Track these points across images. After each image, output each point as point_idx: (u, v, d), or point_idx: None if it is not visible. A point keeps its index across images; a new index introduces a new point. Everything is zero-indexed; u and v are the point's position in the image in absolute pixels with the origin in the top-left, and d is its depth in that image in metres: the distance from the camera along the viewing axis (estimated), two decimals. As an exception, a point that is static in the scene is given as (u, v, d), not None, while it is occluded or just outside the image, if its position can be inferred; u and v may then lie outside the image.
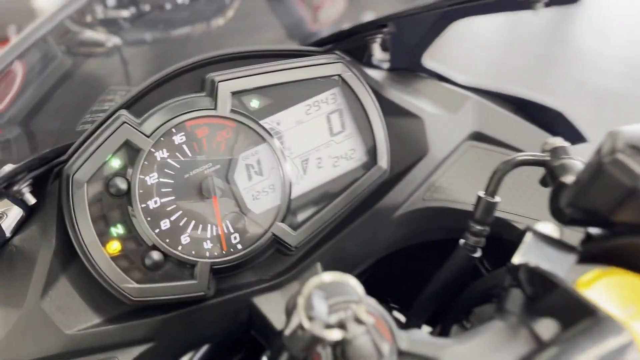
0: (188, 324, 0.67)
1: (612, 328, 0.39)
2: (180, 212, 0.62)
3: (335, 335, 0.43)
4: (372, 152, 0.69)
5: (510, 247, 0.74)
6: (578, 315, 0.41)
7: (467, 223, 0.63)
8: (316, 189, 0.68)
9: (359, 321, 0.43)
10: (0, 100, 0.89)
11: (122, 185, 0.60)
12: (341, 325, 0.43)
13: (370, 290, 1.00)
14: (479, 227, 0.61)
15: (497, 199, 0.61)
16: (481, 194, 0.61)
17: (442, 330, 0.72)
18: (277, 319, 0.67)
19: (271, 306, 0.68)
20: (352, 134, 0.69)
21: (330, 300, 0.48)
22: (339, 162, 0.68)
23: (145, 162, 0.61)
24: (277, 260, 0.70)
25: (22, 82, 0.91)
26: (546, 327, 0.47)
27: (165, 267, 0.62)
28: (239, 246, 0.64)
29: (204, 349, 0.74)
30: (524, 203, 0.72)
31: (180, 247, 0.62)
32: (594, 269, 0.50)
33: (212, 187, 0.63)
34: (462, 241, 0.64)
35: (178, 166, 0.62)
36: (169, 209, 0.62)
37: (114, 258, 0.60)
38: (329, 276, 0.43)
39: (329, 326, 0.43)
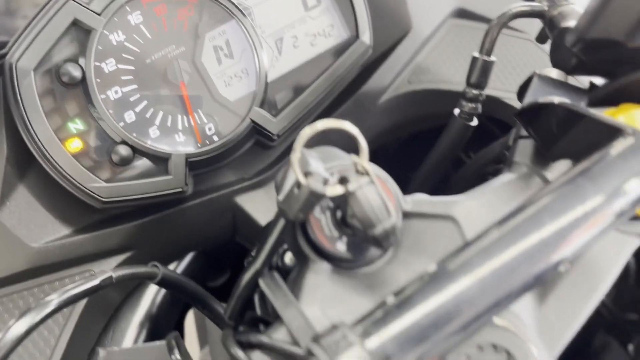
0: (167, 229, 0.61)
1: None
2: (145, 102, 0.56)
3: (336, 189, 0.38)
4: (353, 27, 0.63)
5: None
6: (605, 140, 0.36)
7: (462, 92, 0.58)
8: (294, 70, 0.61)
9: (361, 172, 0.38)
10: None
11: (76, 72, 0.53)
12: (341, 181, 0.38)
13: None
14: (474, 92, 0.57)
15: (493, 58, 0.56)
16: (476, 54, 0.56)
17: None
18: (262, 217, 0.62)
19: (255, 205, 0.63)
20: (329, 7, 0.62)
21: (328, 164, 0.43)
22: (317, 41, 0.62)
23: (100, 47, 0.54)
24: (257, 158, 0.64)
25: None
26: (559, 170, 0.43)
27: (136, 163, 0.56)
28: (215, 138, 0.58)
29: (188, 258, 0.69)
30: (516, 81, 0.68)
31: (149, 142, 0.56)
32: (606, 109, 0.46)
33: (178, 71, 0.56)
34: (457, 110, 0.59)
35: (137, 50, 0.55)
36: (132, 99, 0.55)
37: (76, 156, 0.54)
38: (322, 123, 0.37)
39: (327, 182, 0.38)
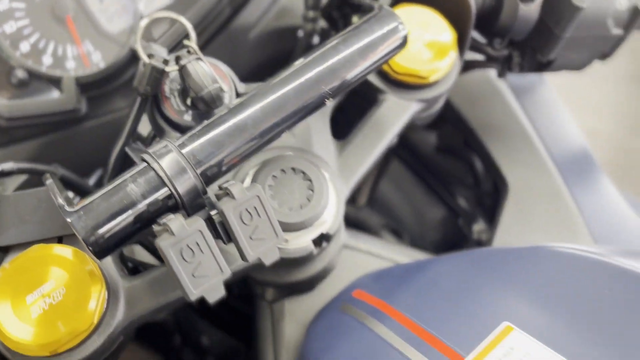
0: (68, 148, 0.72)
1: (389, 16, 0.49)
2: (38, 34, 0.67)
3: (172, 65, 0.51)
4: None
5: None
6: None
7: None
8: (169, 6, 0.73)
9: (191, 53, 0.51)
10: None
11: None
12: (176, 60, 0.51)
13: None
14: (311, 14, 0.70)
15: None
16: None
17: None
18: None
19: (144, 125, 0.75)
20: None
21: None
22: (186, -19, 0.74)
23: (-8, -11, 0.64)
24: (145, 86, 0.76)
25: None
26: None
27: (33, 86, 0.67)
28: (102, 64, 0.70)
29: (96, 175, 0.79)
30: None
31: (44, 68, 0.67)
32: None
33: (64, 8, 0.67)
34: (300, 32, 0.72)
35: (27, -9, 0.66)
36: (25, 32, 0.66)
37: (-21, 80, 0.64)
38: (157, 14, 0.50)
39: (167, 62, 0.51)
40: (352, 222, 0.82)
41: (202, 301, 0.82)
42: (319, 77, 0.46)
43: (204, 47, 0.78)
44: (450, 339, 0.44)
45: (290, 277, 0.56)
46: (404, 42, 0.50)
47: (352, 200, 0.91)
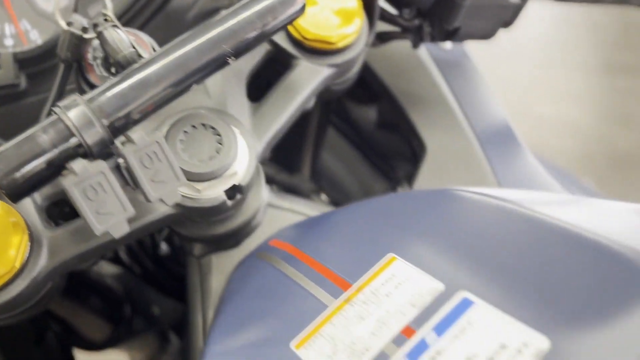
0: (9, 123, 0.75)
1: None
2: (-25, 14, 0.70)
3: (90, 33, 0.55)
4: (150, -49, 0.79)
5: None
6: None
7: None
8: (103, -13, 0.77)
9: (108, 21, 0.55)
10: None
11: None
12: (94, 27, 0.55)
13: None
14: (238, -9, 0.75)
15: None
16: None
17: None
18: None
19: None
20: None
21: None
22: (121, -37, 0.78)
23: None
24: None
25: None
26: None
27: (-28, 63, 0.70)
28: (39, 41, 0.73)
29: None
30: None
31: (-18, 46, 0.71)
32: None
33: (0, -12, 0.71)
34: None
35: (-38, -28, 0.69)
36: (-38, 12, 0.70)
37: None
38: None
39: (86, 30, 0.55)
40: (287, 188, 0.87)
41: (147, 270, 0.86)
42: (220, 37, 0.50)
43: (143, 27, 0.82)
44: (343, 271, 0.49)
45: (212, 231, 0.60)
46: (302, 7, 0.54)
47: (297, 171, 0.95)
